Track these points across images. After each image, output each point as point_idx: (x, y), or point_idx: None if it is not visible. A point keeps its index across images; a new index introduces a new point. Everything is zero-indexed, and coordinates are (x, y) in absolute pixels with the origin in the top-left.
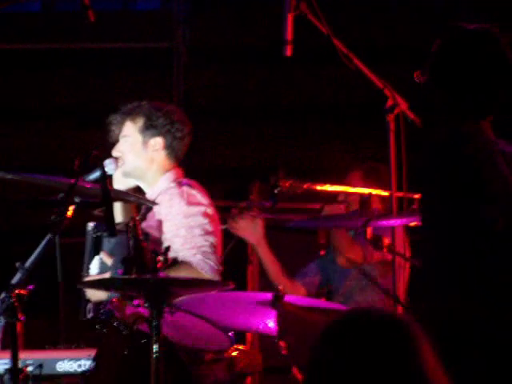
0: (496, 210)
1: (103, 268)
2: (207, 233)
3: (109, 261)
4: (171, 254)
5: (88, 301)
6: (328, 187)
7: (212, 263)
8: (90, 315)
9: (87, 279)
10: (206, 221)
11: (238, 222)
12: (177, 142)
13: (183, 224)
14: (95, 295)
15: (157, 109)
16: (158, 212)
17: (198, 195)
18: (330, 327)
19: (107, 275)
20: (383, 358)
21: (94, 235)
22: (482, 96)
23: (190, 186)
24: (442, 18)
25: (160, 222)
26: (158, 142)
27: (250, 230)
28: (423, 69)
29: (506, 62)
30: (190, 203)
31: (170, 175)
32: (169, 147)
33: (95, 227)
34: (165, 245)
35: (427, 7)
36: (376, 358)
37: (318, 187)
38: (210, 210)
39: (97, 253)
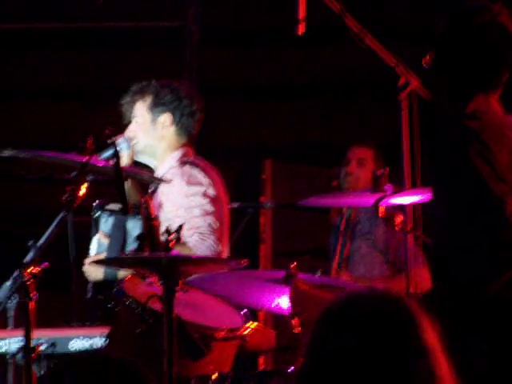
0: (505, 186)
1: (101, 248)
2: (206, 213)
3: (105, 241)
4: None
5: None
6: None
7: (209, 244)
8: (89, 295)
9: (89, 259)
10: (205, 201)
11: None
12: (185, 119)
13: (183, 204)
14: (92, 275)
15: (164, 86)
16: (162, 192)
17: (200, 175)
18: (331, 306)
19: (102, 256)
20: (384, 335)
21: (94, 215)
22: (487, 70)
23: (192, 165)
24: None
25: (162, 202)
26: (166, 118)
27: None
28: (431, 53)
29: (507, 35)
30: (190, 183)
31: (178, 154)
32: (178, 123)
33: (95, 207)
34: (165, 225)
35: None
36: (377, 335)
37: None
38: (210, 191)
39: (96, 232)
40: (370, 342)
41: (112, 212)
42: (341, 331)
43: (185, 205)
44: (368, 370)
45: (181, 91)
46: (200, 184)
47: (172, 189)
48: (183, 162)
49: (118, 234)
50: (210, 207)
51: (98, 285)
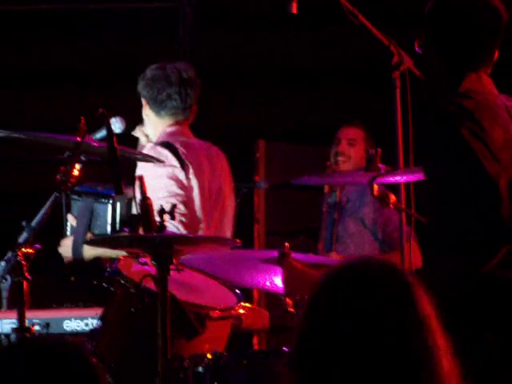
0: (499, 165)
1: (72, 230)
2: (171, 196)
3: (74, 223)
4: None
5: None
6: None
7: (171, 227)
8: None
9: (63, 240)
10: (171, 183)
11: None
12: (154, 98)
13: (150, 186)
14: (64, 255)
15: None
16: (136, 174)
17: (169, 156)
18: (326, 276)
19: (70, 238)
20: (379, 305)
21: (70, 197)
22: (477, 48)
23: (164, 146)
24: None
25: None
26: (143, 102)
27: None
28: (421, 34)
29: (494, 12)
30: (158, 165)
31: (161, 134)
32: (150, 103)
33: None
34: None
35: None
36: (372, 305)
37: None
38: (179, 173)
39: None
40: (366, 313)
41: (80, 195)
42: (336, 302)
43: (151, 186)
44: (363, 343)
45: (147, 72)
46: (168, 165)
47: (143, 171)
48: (156, 143)
49: (84, 217)
50: (176, 189)
51: (71, 265)
